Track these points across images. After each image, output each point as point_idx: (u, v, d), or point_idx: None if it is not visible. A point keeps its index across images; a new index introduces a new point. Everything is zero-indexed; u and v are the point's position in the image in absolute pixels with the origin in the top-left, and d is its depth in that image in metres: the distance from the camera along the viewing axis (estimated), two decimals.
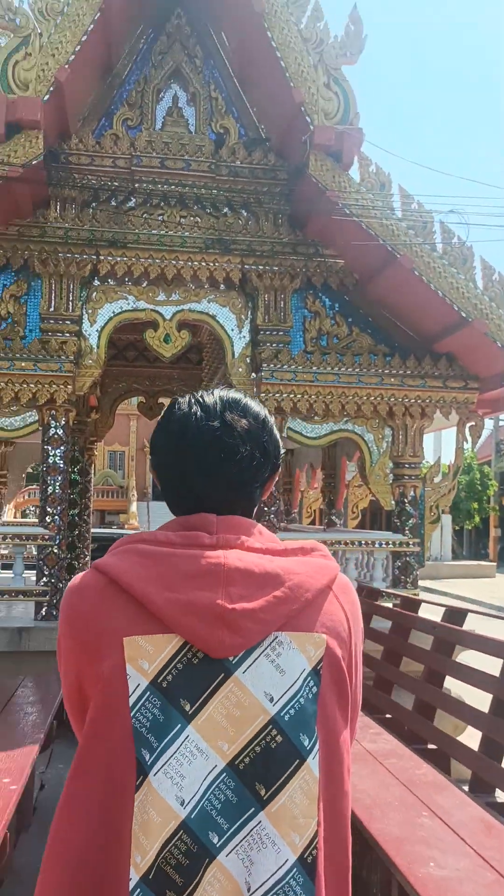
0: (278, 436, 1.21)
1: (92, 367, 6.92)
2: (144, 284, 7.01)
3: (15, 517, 16.40)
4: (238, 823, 0.99)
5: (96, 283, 6.94)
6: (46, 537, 6.67)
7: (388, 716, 5.22)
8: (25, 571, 6.94)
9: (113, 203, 6.84)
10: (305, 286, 7.13)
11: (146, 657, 1.01)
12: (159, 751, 0.98)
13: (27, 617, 6.77)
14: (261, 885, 0.98)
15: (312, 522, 13.03)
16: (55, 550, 6.67)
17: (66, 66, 5.92)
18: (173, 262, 6.87)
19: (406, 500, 7.21)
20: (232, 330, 7.13)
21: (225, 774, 0.99)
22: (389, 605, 5.93)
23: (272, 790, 0.99)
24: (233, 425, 1.13)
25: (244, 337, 7.13)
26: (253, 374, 7.10)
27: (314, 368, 7.00)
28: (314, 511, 12.65)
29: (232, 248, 6.94)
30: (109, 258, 6.80)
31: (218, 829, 0.98)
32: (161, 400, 12.05)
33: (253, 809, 0.99)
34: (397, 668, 5.31)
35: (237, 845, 0.98)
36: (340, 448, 9.84)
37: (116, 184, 6.77)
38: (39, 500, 6.89)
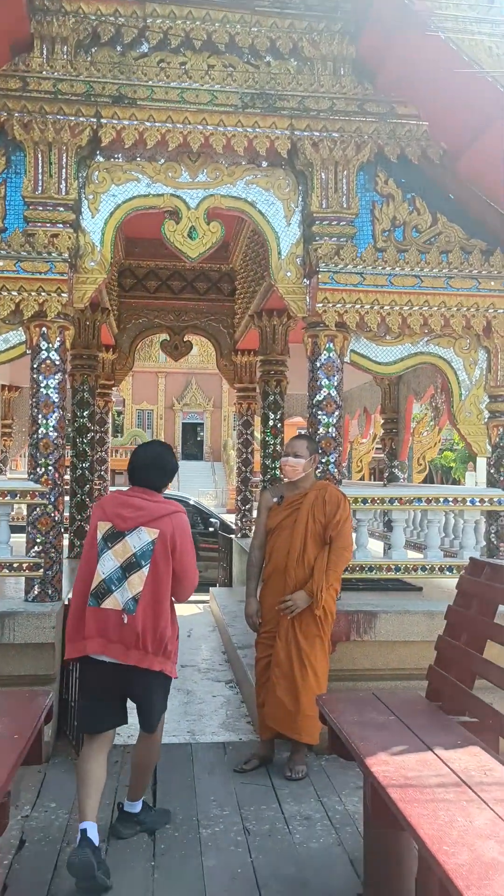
0: (172, 460, 3.70)
1: (95, 272, 5.26)
2: (162, 161, 5.29)
3: None
4: (120, 584, 3.41)
5: (98, 158, 5.24)
6: (37, 494, 5.09)
7: (473, 719, 3.57)
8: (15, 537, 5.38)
9: (118, 48, 5.09)
10: (375, 160, 5.35)
11: (102, 529, 3.49)
12: (101, 557, 3.44)
13: (16, 598, 5.25)
14: (123, 602, 3.39)
15: (363, 479, 11.36)
16: (49, 511, 5.10)
17: None
18: (199, 126, 5.14)
19: None
20: (277, 221, 5.40)
21: (118, 567, 3.42)
22: None
23: (130, 575, 3.40)
24: (152, 449, 3.74)
25: (294, 231, 5.40)
26: (305, 280, 5.38)
27: (388, 269, 5.26)
28: (364, 465, 10.96)
29: (278, 106, 5.17)
30: (115, 121, 5.08)
31: (113, 584, 3.41)
32: (188, 338, 10.36)
33: (125, 580, 3.41)
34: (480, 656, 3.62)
35: (118, 589, 3.40)
36: (406, 385, 8.14)
37: (122, 20, 5.02)
38: (29, 445, 5.30)
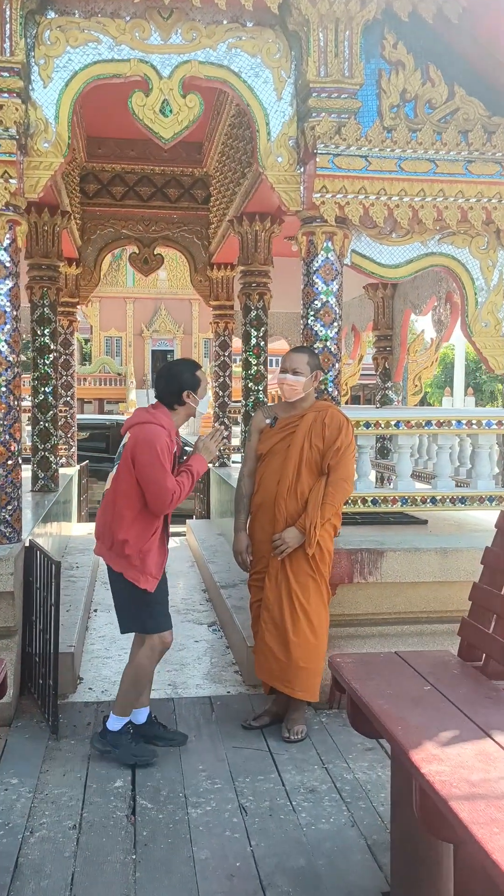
0: (181, 375, 3.70)
1: (49, 155, 4.41)
2: (127, 18, 4.39)
3: None
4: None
5: (50, 14, 4.32)
6: None
7: None
8: None
9: None
10: (382, 18, 4.49)
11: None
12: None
13: None
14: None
15: (347, 404, 10.68)
16: (4, 440, 4.37)
17: None
18: None
19: None
20: (266, 94, 4.55)
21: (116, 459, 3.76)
22: None
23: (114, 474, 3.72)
24: (166, 363, 3.91)
25: (286, 106, 4.57)
26: (300, 167, 4.58)
27: (398, 152, 4.47)
28: (349, 389, 10.27)
29: None
30: None
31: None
32: (158, 251, 9.45)
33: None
34: None
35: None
36: (402, 298, 7.40)
37: None
38: None
